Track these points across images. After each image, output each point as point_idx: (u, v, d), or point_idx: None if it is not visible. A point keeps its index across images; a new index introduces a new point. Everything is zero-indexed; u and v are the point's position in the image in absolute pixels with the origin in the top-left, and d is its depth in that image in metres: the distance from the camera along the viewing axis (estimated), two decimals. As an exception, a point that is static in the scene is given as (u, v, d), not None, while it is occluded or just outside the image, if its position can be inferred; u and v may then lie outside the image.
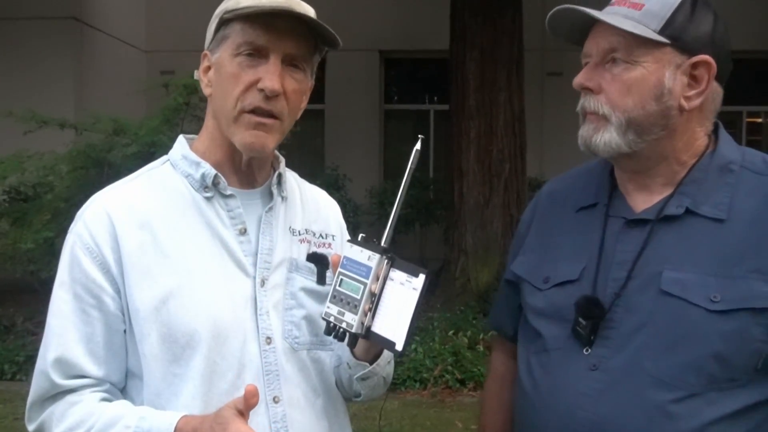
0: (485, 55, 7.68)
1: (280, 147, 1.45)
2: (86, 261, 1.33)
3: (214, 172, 1.39)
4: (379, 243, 1.27)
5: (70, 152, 6.48)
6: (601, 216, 1.43)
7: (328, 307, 1.28)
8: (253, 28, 1.33)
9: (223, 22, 1.37)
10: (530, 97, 8.43)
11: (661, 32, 1.31)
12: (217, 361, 1.33)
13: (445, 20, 8.22)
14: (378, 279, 1.25)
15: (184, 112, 6.46)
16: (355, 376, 1.42)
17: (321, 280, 1.46)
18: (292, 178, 1.53)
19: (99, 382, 1.34)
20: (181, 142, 1.46)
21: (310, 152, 10.95)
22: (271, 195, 1.45)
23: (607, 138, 1.35)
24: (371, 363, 1.40)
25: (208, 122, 1.43)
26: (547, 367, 1.40)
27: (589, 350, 1.34)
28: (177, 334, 1.31)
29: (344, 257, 1.29)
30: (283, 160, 1.49)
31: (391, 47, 11.08)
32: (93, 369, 1.33)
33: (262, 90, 1.33)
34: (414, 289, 1.21)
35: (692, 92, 1.34)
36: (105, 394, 1.34)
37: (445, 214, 8.79)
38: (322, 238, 1.51)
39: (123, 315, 1.34)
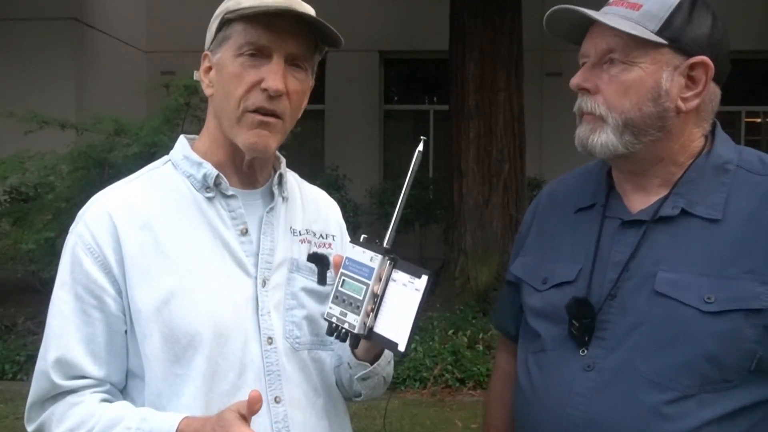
0: (485, 55, 7.69)
1: (280, 147, 1.45)
2: (87, 261, 1.33)
3: (215, 172, 1.38)
4: (382, 244, 1.27)
5: (71, 152, 6.49)
6: (598, 217, 1.42)
7: (330, 308, 1.29)
8: (255, 28, 1.33)
9: (225, 23, 1.37)
10: (529, 97, 8.44)
11: (659, 33, 1.31)
12: (219, 362, 1.33)
13: (444, 21, 8.22)
14: (380, 280, 1.25)
15: (184, 112, 6.47)
16: (356, 376, 1.42)
17: (321, 280, 1.46)
18: (292, 178, 1.53)
19: (99, 382, 1.34)
20: (182, 143, 1.46)
21: (310, 152, 10.96)
22: (272, 195, 1.45)
23: (603, 139, 1.35)
24: (372, 363, 1.40)
25: (210, 123, 1.43)
26: (544, 367, 1.41)
27: (586, 351, 1.34)
28: (179, 334, 1.31)
29: (346, 258, 1.29)
30: (283, 160, 1.49)
31: (391, 48, 11.09)
32: (94, 369, 1.33)
33: (265, 90, 1.33)
34: (416, 290, 1.22)
35: (689, 93, 1.33)
36: (105, 395, 1.34)
37: (445, 214, 8.79)
38: (323, 238, 1.51)
39: (124, 315, 1.33)
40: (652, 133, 1.34)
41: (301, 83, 1.38)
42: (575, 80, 1.38)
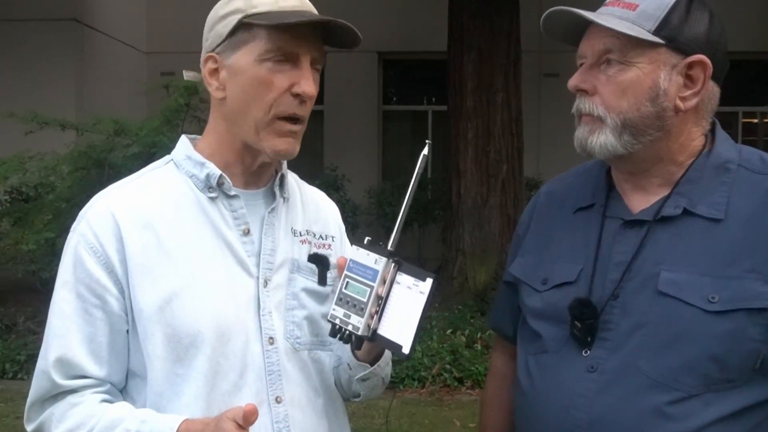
0: (483, 56, 7.70)
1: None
2: (90, 261, 1.32)
3: (218, 172, 1.38)
4: (386, 246, 1.27)
5: (71, 153, 6.48)
6: (598, 217, 1.42)
7: (334, 309, 1.29)
8: (280, 33, 1.32)
9: (241, 26, 1.34)
10: (527, 97, 8.45)
11: (655, 33, 1.30)
12: (220, 362, 1.33)
13: (443, 22, 8.23)
14: (385, 282, 1.25)
15: (184, 113, 6.47)
16: (356, 377, 1.42)
17: (322, 280, 1.46)
18: (292, 179, 1.53)
19: (100, 382, 1.34)
20: (183, 143, 1.45)
21: (309, 153, 10.92)
22: (273, 196, 1.45)
23: (602, 140, 1.34)
24: (372, 364, 1.40)
25: (218, 125, 1.41)
26: (546, 369, 1.40)
27: (588, 352, 1.34)
28: (181, 334, 1.31)
29: (350, 260, 1.29)
30: (284, 161, 1.48)
31: (390, 49, 11.09)
32: (94, 369, 1.32)
33: (297, 95, 1.34)
34: (421, 293, 1.22)
35: (688, 92, 1.32)
36: (106, 395, 1.34)
37: (443, 214, 8.79)
38: (322, 239, 1.51)
39: (126, 315, 1.33)
40: (651, 133, 1.33)
41: (317, 86, 1.39)
42: (573, 81, 1.38)
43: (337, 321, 1.28)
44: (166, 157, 1.47)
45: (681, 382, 1.26)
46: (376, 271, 1.25)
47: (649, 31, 1.30)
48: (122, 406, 1.32)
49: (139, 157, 5.79)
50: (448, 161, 7.98)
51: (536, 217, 1.56)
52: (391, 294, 1.25)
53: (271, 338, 1.38)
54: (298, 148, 1.39)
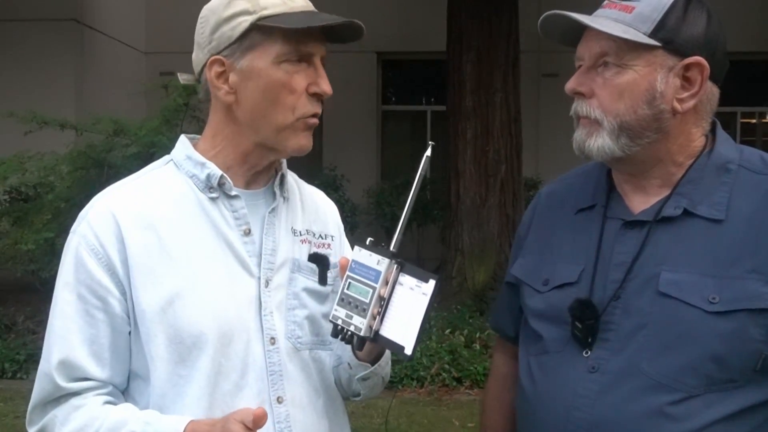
0: (482, 56, 7.70)
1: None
2: (91, 262, 1.31)
3: (219, 172, 1.37)
4: (388, 247, 1.27)
5: (70, 153, 6.48)
6: (599, 217, 1.41)
7: (336, 310, 1.28)
8: (297, 36, 1.33)
9: (253, 29, 1.33)
10: (526, 98, 8.44)
11: (652, 35, 1.29)
12: (222, 362, 1.33)
13: (442, 22, 8.22)
14: (387, 283, 1.25)
15: (183, 113, 6.47)
16: (356, 377, 1.43)
17: (322, 280, 1.46)
18: (291, 178, 1.52)
19: (102, 384, 1.33)
20: (183, 143, 1.44)
21: (308, 153, 10.95)
22: (273, 195, 1.45)
23: (600, 143, 1.34)
24: (372, 364, 1.41)
25: (225, 127, 1.40)
26: (547, 369, 1.40)
27: (589, 352, 1.33)
28: (183, 335, 1.31)
29: (353, 261, 1.28)
30: (284, 160, 1.48)
31: (389, 49, 11.08)
32: (97, 371, 1.32)
33: (315, 94, 1.36)
34: (424, 294, 1.22)
35: (685, 94, 1.32)
36: (108, 397, 1.33)
37: (442, 214, 8.79)
38: (322, 238, 1.51)
39: (128, 317, 1.33)
40: (648, 135, 1.33)
41: None
42: (570, 85, 1.38)
43: (339, 322, 1.28)
44: (166, 157, 1.46)
45: (682, 382, 1.26)
46: (378, 272, 1.25)
47: (645, 34, 1.30)
48: (125, 408, 1.32)
49: (138, 157, 5.80)
50: (447, 161, 7.98)
51: (537, 218, 1.56)
52: (394, 295, 1.25)
53: (272, 338, 1.38)
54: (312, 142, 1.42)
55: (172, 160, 1.44)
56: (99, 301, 1.32)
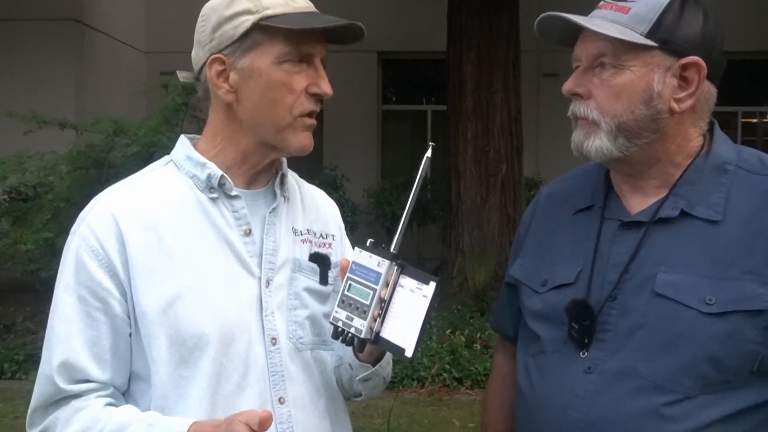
0: (482, 56, 7.70)
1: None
2: (92, 264, 1.31)
3: (220, 173, 1.37)
4: (388, 249, 1.27)
5: (70, 152, 6.47)
6: (597, 218, 1.41)
7: (336, 312, 1.28)
8: (299, 36, 1.34)
9: (255, 29, 1.33)
10: (527, 97, 8.44)
11: (648, 35, 1.30)
12: (224, 363, 1.33)
13: (442, 22, 8.22)
14: (387, 285, 1.25)
15: (183, 112, 6.47)
16: (357, 377, 1.42)
17: (323, 280, 1.46)
18: (292, 178, 1.52)
19: (104, 386, 1.33)
20: (183, 143, 1.44)
21: (309, 152, 10.95)
22: (273, 195, 1.45)
23: (598, 144, 1.34)
24: (374, 365, 1.41)
25: (225, 126, 1.40)
26: (544, 370, 1.40)
27: (586, 353, 1.34)
28: (185, 336, 1.31)
29: (353, 262, 1.28)
30: (284, 160, 1.48)
31: (389, 48, 11.08)
32: (98, 373, 1.32)
33: (315, 95, 1.36)
34: (424, 296, 1.22)
35: (683, 94, 1.32)
36: (110, 399, 1.33)
37: (443, 214, 8.79)
38: (323, 238, 1.51)
39: (129, 318, 1.32)
40: (646, 135, 1.33)
41: None
42: (567, 86, 1.38)
43: (340, 323, 1.28)
44: (166, 158, 1.46)
45: (678, 383, 1.27)
46: (378, 274, 1.25)
47: (641, 34, 1.30)
48: (128, 410, 1.32)
49: (138, 157, 5.79)
50: (448, 161, 7.99)
51: (537, 219, 1.56)
52: (394, 297, 1.25)
53: (273, 339, 1.37)
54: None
55: (172, 160, 1.44)
56: (100, 302, 1.32)
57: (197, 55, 1.41)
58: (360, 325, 1.25)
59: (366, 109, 11.39)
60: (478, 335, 6.37)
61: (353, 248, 1.33)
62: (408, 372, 5.88)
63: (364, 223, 9.73)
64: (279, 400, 1.37)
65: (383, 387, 1.50)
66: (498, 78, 7.74)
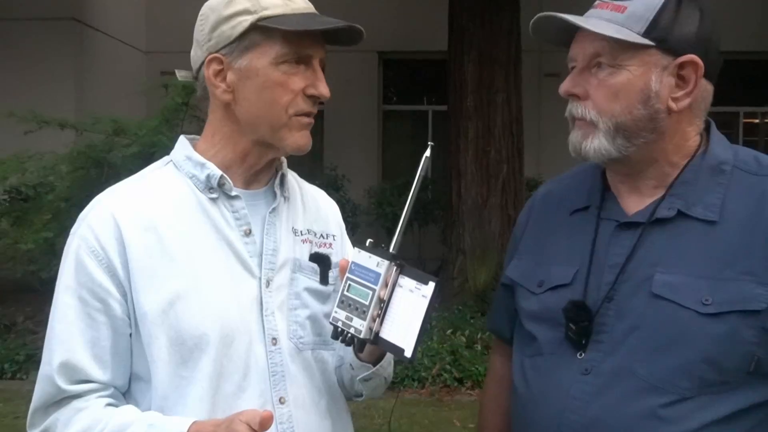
0: (483, 56, 7.70)
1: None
2: (92, 265, 1.31)
3: (219, 173, 1.37)
4: (388, 249, 1.27)
5: (70, 152, 6.46)
6: (593, 219, 1.41)
7: (336, 312, 1.28)
8: (297, 37, 1.34)
9: (253, 29, 1.33)
10: (528, 97, 8.44)
11: (645, 34, 1.29)
12: (224, 363, 1.33)
13: (443, 22, 8.22)
14: (387, 285, 1.25)
15: (183, 112, 6.46)
16: (358, 378, 1.42)
17: (324, 280, 1.46)
18: (292, 178, 1.53)
19: (104, 386, 1.33)
20: (183, 143, 1.44)
21: (308, 152, 10.92)
22: (273, 195, 1.45)
23: (596, 144, 1.34)
24: (374, 365, 1.41)
25: (223, 126, 1.40)
26: (541, 371, 1.40)
27: (583, 354, 1.33)
28: (185, 336, 1.31)
29: (352, 263, 1.28)
30: (284, 160, 1.49)
31: (390, 48, 11.08)
32: (99, 374, 1.32)
33: (312, 96, 1.36)
34: (423, 296, 1.22)
35: (680, 93, 1.32)
36: (110, 399, 1.33)
37: (443, 215, 8.80)
38: (323, 238, 1.51)
39: (129, 319, 1.32)
40: (644, 135, 1.33)
41: None
42: (564, 87, 1.37)
43: (339, 324, 1.28)
44: (166, 158, 1.46)
45: (676, 384, 1.26)
46: (378, 274, 1.25)
47: (638, 34, 1.29)
48: (128, 410, 1.32)
49: (138, 157, 5.78)
50: (448, 161, 7.98)
51: (533, 219, 1.56)
52: (394, 297, 1.25)
53: (274, 339, 1.37)
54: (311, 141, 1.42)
55: (171, 161, 1.44)
56: (100, 303, 1.32)
57: (196, 54, 1.41)
58: (359, 326, 1.25)
59: (367, 109, 11.39)
60: (479, 335, 6.38)
61: (353, 248, 1.32)
62: (409, 372, 5.88)
63: (365, 224, 9.74)
64: (280, 400, 1.36)
65: (384, 387, 1.49)
66: (499, 78, 7.73)
